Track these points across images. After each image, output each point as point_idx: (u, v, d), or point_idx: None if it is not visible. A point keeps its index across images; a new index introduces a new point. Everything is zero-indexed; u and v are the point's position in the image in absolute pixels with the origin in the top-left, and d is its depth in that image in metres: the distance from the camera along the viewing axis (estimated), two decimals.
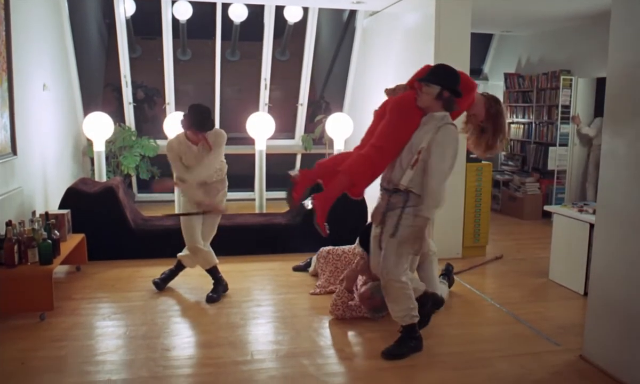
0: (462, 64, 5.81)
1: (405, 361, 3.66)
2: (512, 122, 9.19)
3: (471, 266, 5.76)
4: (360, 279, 4.54)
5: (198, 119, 4.42)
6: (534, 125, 8.79)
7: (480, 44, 9.74)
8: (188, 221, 4.72)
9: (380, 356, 3.70)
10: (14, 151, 5.11)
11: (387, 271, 3.63)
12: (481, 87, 10.13)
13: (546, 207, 6.03)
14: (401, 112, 3.61)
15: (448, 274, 5.01)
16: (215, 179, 4.74)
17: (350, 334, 4.13)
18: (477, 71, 9.94)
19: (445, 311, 4.52)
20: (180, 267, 5.02)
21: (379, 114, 3.79)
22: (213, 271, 4.87)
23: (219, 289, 4.82)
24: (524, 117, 9.00)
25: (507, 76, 9.31)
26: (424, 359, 3.70)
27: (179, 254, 4.96)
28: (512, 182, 8.68)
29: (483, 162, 6.15)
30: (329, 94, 9.46)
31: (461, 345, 3.94)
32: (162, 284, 4.97)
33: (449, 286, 4.94)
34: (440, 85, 3.50)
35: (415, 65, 6.24)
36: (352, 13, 8.50)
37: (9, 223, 4.27)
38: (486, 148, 3.97)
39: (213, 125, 4.53)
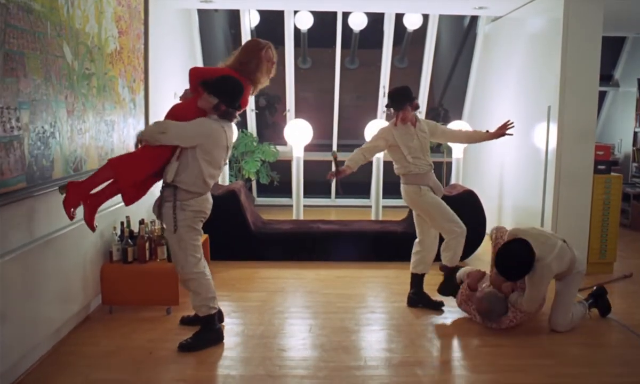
0: (591, 71, 5.57)
1: (526, 382, 3.53)
2: None
3: (596, 283, 5.43)
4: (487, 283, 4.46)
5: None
6: None
7: (611, 48, 9.16)
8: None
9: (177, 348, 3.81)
10: None
11: (181, 268, 3.85)
12: (611, 93, 9.56)
13: None
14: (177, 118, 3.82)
15: (599, 297, 4.61)
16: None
17: (469, 346, 4.05)
18: (607, 77, 9.36)
19: (568, 329, 4.32)
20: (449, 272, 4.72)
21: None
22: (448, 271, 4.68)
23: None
24: None
25: None
26: (546, 380, 3.54)
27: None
28: None
29: (612, 174, 5.80)
30: (448, 101, 9.30)
31: (585, 367, 3.74)
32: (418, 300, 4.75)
33: (606, 312, 4.59)
34: (218, 99, 3.72)
35: (540, 72, 6.07)
36: (473, 19, 8.32)
37: (141, 222, 4.58)
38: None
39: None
